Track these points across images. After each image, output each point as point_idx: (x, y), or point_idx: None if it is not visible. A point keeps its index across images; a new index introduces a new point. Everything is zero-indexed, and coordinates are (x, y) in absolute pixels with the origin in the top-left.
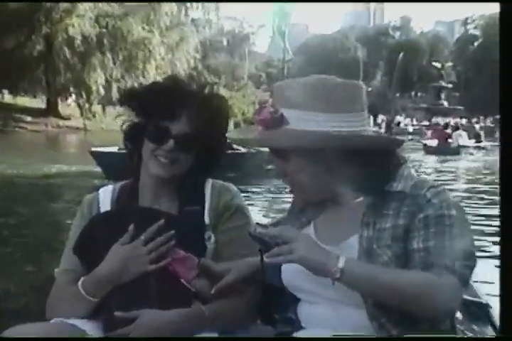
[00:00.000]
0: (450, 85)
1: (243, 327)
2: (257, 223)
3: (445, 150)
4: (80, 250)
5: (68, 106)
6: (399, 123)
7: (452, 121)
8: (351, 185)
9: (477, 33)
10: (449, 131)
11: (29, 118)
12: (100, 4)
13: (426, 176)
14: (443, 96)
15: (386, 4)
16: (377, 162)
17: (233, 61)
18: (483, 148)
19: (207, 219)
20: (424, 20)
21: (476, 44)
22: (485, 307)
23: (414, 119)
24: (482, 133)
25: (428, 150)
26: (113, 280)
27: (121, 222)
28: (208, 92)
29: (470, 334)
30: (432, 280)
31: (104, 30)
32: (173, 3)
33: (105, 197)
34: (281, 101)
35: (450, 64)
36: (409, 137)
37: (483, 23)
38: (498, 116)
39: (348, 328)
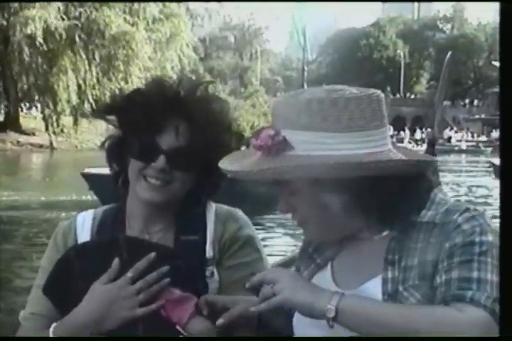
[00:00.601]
0: None
1: None
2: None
3: None
4: (51, 290)
5: (32, 118)
6: (450, 138)
7: None
8: (374, 218)
9: None
10: None
11: None
12: None
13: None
14: None
15: None
16: (405, 188)
17: (242, 62)
18: None
19: (209, 252)
20: (482, 9)
21: None
22: None
23: (469, 133)
24: None
25: (498, 171)
26: (92, 327)
27: (103, 256)
28: (202, 94)
29: None
30: (454, 315)
31: (75, 22)
32: None
33: (84, 224)
34: (283, 121)
35: None
36: (463, 156)
37: None
38: None
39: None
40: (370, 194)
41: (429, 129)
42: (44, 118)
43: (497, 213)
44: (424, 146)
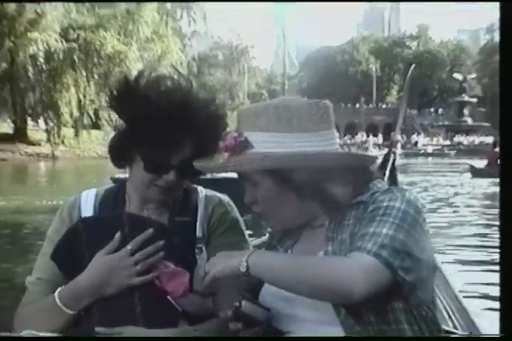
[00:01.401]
0: (474, 100)
1: None
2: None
3: (496, 173)
4: (59, 257)
5: (39, 131)
6: (416, 143)
7: (477, 139)
8: (323, 206)
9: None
10: (497, 150)
11: None
12: (71, 14)
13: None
14: (466, 112)
15: (401, 13)
16: (345, 179)
17: (231, 78)
18: None
19: (199, 232)
20: (444, 29)
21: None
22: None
23: (435, 138)
24: None
25: (475, 172)
26: (94, 292)
27: (106, 229)
28: (211, 112)
29: None
30: (337, 261)
31: (74, 44)
32: (154, 11)
33: (88, 201)
34: (245, 125)
35: (473, 76)
36: (430, 158)
37: None
38: None
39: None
40: (316, 185)
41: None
42: (47, 131)
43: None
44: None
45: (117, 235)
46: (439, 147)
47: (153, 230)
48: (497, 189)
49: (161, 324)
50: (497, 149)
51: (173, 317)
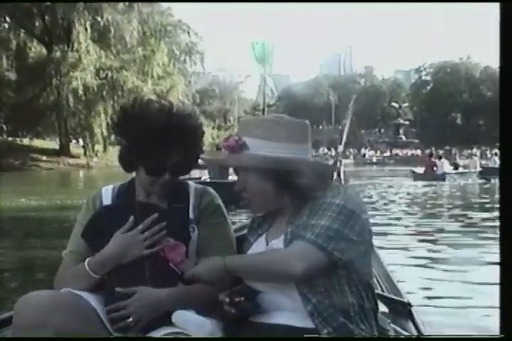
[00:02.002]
0: (407, 122)
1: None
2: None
3: (432, 176)
4: (88, 235)
5: (78, 147)
6: (364, 154)
7: (409, 152)
8: (294, 197)
9: (428, 78)
10: (433, 159)
11: (44, 158)
12: (103, 58)
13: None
14: (401, 131)
15: (353, 56)
16: (313, 181)
17: (224, 106)
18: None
19: (191, 215)
20: (384, 69)
21: (428, 88)
22: (406, 306)
23: (379, 151)
24: (460, 161)
25: (416, 176)
26: (114, 261)
27: (122, 214)
28: (193, 123)
29: (395, 327)
30: (280, 252)
31: (104, 81)
32: (164, 55)
33: (107, 193)
34: (244, 132)
35: (406, 104)
36: (374, 166)
37: (432, 70)
38: (447, 147)
39: (292, 305)
40: (288, 181)
41: (351, 149)
42: (84, 147)
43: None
44: (346, 161)
45: (131, 218)
46: (381, 158)
47: (158, 214)
48: (426, 189)
49: (164, 284)
50: (432, 159)
51: (173, 279)
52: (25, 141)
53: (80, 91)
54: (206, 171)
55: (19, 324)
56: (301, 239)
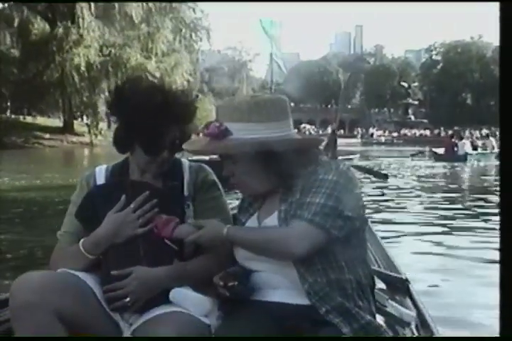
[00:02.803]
0: (416, 102)
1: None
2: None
3: (453, 157)
4: (81, 215)
5: (82, 125)
6: (372, 134)
7: (418, 132)
8: (283, 178)
9: (439, 58)
10: (454, 140)
11: (47, 136)
12: (106, 35)
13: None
14: (410, 111)
15: (364, 35)
16: (302, 157)
17: (233, 85)
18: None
19: (186, 192)
20: (394, 49)
21: (438, 67)
22: (404, 282)
23: (387, 131)
24: (480, 142)
25: (437, 157)
26: (108, 241)
27: (115, 193)
28: (189, 102)
29: (393, 303)
30: (282, 231)
31: (107, 58)
32: (169, 32)
33: (100, 173)
34: (224, 116)
35: (416, 84)
36: (383, 146)
37: (443, 49)
38: (456, 128)
39: (288, 284)
40: (277, 162)
41: (359, 129)
42: (87, 125)
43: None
44: (353, 140)
45: (123, 197)
46: (389, 138)
47: (149, 192)
48: (439, 170)
49: (159, 263)
50: (453, 140)
51: (169, 256)
52: (29, 119)
53: (83, 68)
54: None
55: (14, 305)
56: (299, 219)
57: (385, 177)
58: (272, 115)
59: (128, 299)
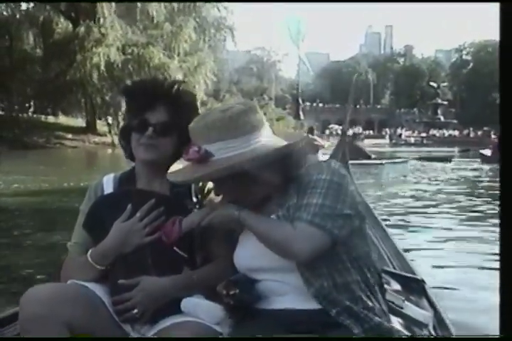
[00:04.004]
0: (445, 102)
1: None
2: None
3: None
4: (88, 226)
5: (104, 125)
6: (400, 135)
7: (446, 132)
8: (275, 185)
9: (469, 58)
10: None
11: (70, 136)
12: (129, 34)
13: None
14: (439, 111)
15: (394, 36)
16: (290, 162)
17: (262, 85)
18: None
19: (194, 198)
20: (424, 49)
21: (468, 67)
22: (420, 283)
23: (416, 131)
24: None
25: (484, 159)
26: (116, 251)
27: (121, 202)
28: (178, 89)
29: (409, 304)
30: (288, 230)
31: (129, 57)
32: (192, 31)
33: (108, 182)
34: (200, 139)
35: (445, 84)
36: (412, 147)
37: (473, 49)
38: (486, 128)
39: (294, 290)
40: (265, 172)
41: (387, 129)
42: (109, 125)
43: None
44: (381, 140)
45: (129, 206)
46: (418, 138)
47: (156, 200)
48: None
49: (169, 271)
50: (494, 139)
51: (178, 265)
52: (51, 119)
53: (103, 68)
54: None
55: (23, 318)
56: (299, 221)
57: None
58: (248, 127)
59: (136, 310)
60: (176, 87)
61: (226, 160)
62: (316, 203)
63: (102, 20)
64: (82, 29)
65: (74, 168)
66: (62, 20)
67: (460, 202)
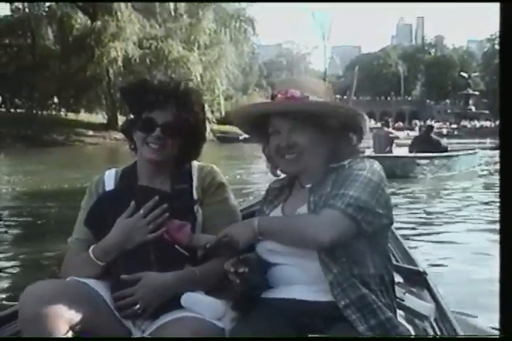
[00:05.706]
0: (477, 93)
1: (226, 286)
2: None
3: None
4: (90, 222)
5: None
6: (432, 127)
7: (478, 123)
8: (332, 156)
9: None
10: None
11: (90, 132)
12: (147, 27)
13: None
14: (471, 102)
15: (425, 26)
16: (348, 142)
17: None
18: None
19: (195, 196)
20: (455, 39)
21: None
22: (422, 275)
23: (448, 123)
24: None
25: None
26: (118, 247)
27: (124, 199)
28: (185, 88)
29: (411, 296)
30: (311, 217)
31: (147, 51)
32: (211, 22)
33: (109, 178)
34: (306, 91)
35: (476, 74)
36: (444, 138)
37: None
38: None
39: (307, 279)
40: (333, 137)
41: (416, 121)
42: None
43: None
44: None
45: (132, 203)
46: (450, 129)
47: (158, 197)
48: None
49: (170, 268)
50: None
51: (179, 262)
52: (71, 116)
53: (120, 63)
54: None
55: (22, 315)
56: (331, 208)
57: None
58: (331, 95)
59: (138, 306)
60: (182, 85)
61: (317, 102)
62: (352, 195)
63: (119, 14)
64: (98, 23)
65: (94, 164)
66: (80, 15)
67: None
